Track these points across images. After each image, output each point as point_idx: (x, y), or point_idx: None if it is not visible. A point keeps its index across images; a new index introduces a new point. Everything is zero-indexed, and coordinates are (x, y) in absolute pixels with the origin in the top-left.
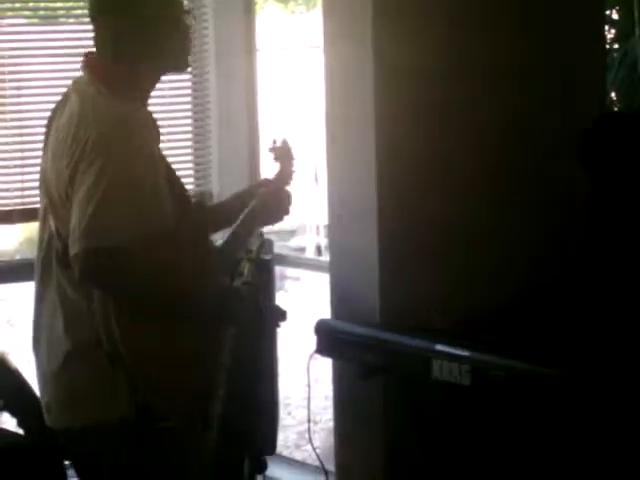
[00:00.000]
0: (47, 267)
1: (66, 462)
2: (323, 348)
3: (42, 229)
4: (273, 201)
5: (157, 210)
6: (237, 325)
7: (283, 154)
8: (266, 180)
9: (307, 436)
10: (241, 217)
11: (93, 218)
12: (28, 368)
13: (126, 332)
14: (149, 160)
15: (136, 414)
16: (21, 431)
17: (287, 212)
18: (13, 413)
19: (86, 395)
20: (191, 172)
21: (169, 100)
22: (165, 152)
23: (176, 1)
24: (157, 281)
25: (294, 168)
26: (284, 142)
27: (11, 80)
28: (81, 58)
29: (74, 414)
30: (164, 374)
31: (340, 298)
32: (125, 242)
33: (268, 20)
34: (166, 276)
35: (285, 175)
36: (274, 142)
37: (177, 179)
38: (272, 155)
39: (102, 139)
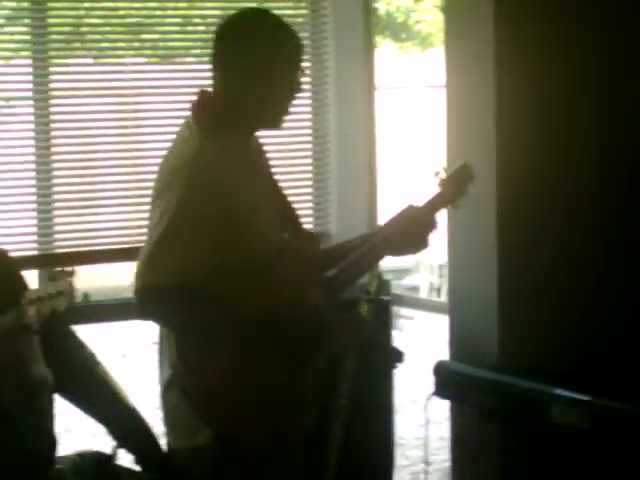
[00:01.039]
0: None
1: None
2: (441, 390)
3: None
4: (417, 227)
5: (231, 244)
6: (337, 357)
7: (459, 177)
8: (412, 206)
9: (421, 477)
10: (370, 245)
11: (149, 257)
12: (141, 402)
13: (189, 366)
14: (219, 196)
15: (214, 445)
16: (138, 468)
17: (425, 245)
18: (130, 450)
19: (175, 422)
20: (310, 212)
21: (288, 140)
22: (284, 191)
23: (295, 62)
24: (226, 313)
25: (465, 190)
26: (465, 165)
27: (132, 118)
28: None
29: (173, 438)
30: (231, 407)
31: (459, 339)
32: (181, 279)
33: (383, 59)
34: (242, 307)
35: (444, 199)
36: (443, 169)
37: (287, 210)
38: (438, 179)
39: (172, 175)
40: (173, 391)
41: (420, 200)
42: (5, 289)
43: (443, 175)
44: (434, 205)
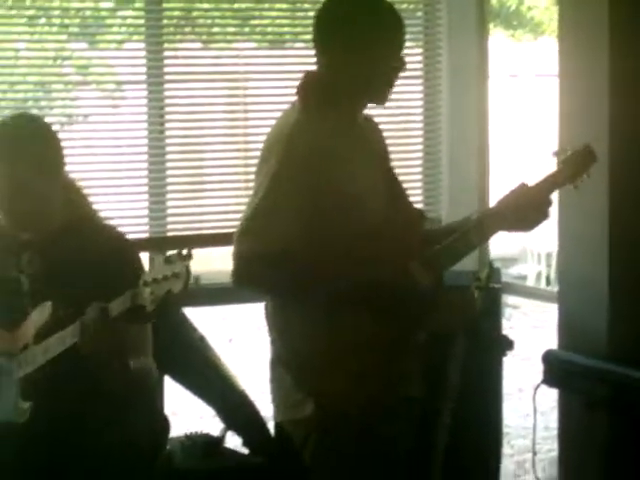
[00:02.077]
0: None
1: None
2: (549, 379)
3: None
4: (530, 202)
5: (327, 215)
6: (439, 331)
7: (581, 157)
8: (525, 184)
9: (526, 466)
10: (479, 217)
11: (248, 224)
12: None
13: (290, 338)
14: (315, 168)
15: (316, 416)
16: (246, 451)
17: (545, 216)
18: (238, 433)
19: (281, 396)
20: (420, 198)
21: (400, 126)
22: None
23: (396, 38)
24: (324, 283)
25: (586, 171)
26: (588, 146)
27: (242, 103)
28: None
29: (279, 412)
30: (331, 379)
31: (568, 328)
32: (276, 247)
33: (494, 47)
34: (341, 277)
35: (562, 178)
36: (562, 149)
37: (395, 187)
38: (558, 159)
39: (272, 146)
40: (278, 365)
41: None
42: (123, 271)
43: (563, 155)
44: (550, 183)
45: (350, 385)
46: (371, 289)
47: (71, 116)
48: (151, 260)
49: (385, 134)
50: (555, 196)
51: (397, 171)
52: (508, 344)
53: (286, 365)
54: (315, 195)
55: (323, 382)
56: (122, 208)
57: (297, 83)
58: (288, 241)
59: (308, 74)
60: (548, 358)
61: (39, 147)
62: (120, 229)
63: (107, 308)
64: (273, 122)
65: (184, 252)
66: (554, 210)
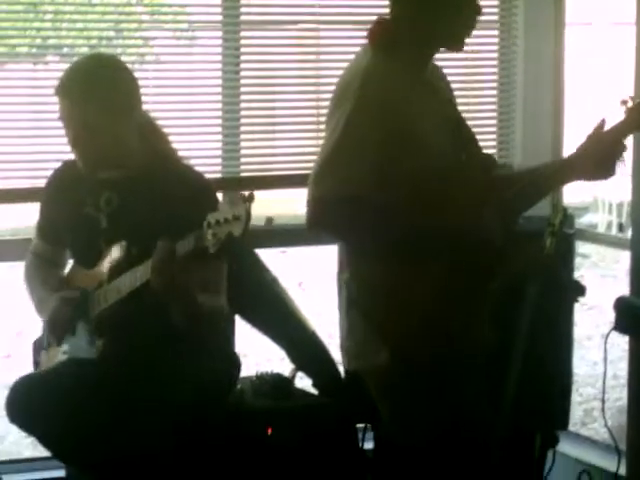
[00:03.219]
0: None
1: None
2: (621, 325)
3: None
4: (603, 151)
5: (399, 158)
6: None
7: None
8: (598, 130)
9: (594, 414)
10: (553, 166)
11: (321, 168)
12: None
13: (364, 283)
14: (387, 111)
15: (391, 363)
16: (315, 391)
17: (613, 170)
18: (309, 374)
19: (353, 343)
20: (494, 144)
21: (474, 70)
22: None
23: None
24: (398, 227)
25: None
26: None
27: (316, 45)
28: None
29: (349, 360)
30: (406, 324)
31: None
32: (351, 191)
33: None
34: (414, 221)
35: (632, 125)
36: (630, 97)
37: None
38: (625, 107)
39: (343, 92)
40: (351, 311)
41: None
42: (199, 211)
43: (630, 103)
44: (621, 130)
45: (425, 331)
46: (445, 236)
47: (144, 55)
48: (222, 198)
49: (459, 82)
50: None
51: (471, 120)
52: (580, 290)
53: (361, 309)
54: (388, 139)
55: (398, 327)
56: (196, 148)
57: (368, 28)
58: (363, 185)
59: (380, 20)
60: (620, 305)
61: (111, 88)
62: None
63: (174, 248)
64: (344, 66)
65: (246, 194)
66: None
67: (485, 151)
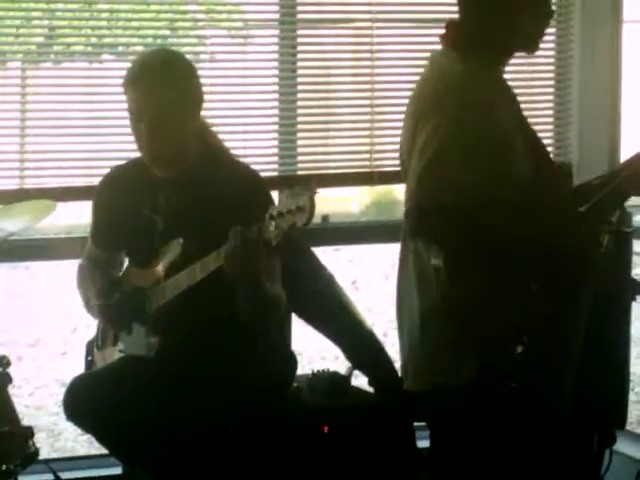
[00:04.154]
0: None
1: (418, 423)
2: None
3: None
4: None
5: (500, 166)
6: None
7: None
8: None
9: None
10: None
11: (422, 175)
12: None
13: (459, 294)
14: (488, 118)
15: (480, 375)
16: (371, 390)
17: None
18: (365, 372)
19: (435, 359)
20: (551, 142)
21: (531, 67)
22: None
23: None
24: (492, 235)
25: None
26: None
27: (370, 44)
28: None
29: (425, 377)
30: (501, 340)
31: None
32: (453, 200)
33: None
34: (509, 232)
35: None
36: None
37: (537, 142)
38: None
39: (438, 97)
40: (432, 321)
41: None
42: (254, 207)
43: None
44: None
45: (512, 343)
46: (543, 247)
47: (199, 54)
48: (279, 195)
49: (516, 80)
50: None
51: (528, 114)
52: (638, 288)
53: (446, 317)
54: (486, 145)
55: (488, 334)
56: (252, 147)
57: (423, 29)
58: (464, 193)
59: (454, 22)
60: None
61: (184, 80)
62: (252, 167)
63: (246, 233)
64: (397, 66)
65: (309, 186)
66: None
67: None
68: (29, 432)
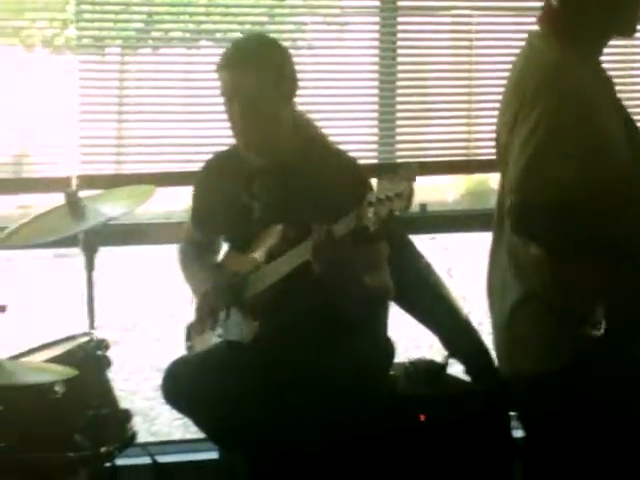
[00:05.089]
0: (500, 219)
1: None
2: None
3: (500, 183)
4: None
5: (600, 157)
6: None
7: None
8: None
9: None
10: None
11: (525, 171)
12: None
13: (561, 285)
14: (587, 111)
15: (575, 363)
16: (468, 378)
17: None
18: (462, 361)
19: (530, 345)
20: None
21: (628, 58)
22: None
23: None
24: (599, 230)
25: None
26: None
27: (468, 31)
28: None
29: (519, 363)
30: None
31: None
32: (557, 195)
33: None
34: (614, 226)
35: None
36: None
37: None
38: None
39: (539, 88)
40: (527, 310)
41: None
42: (352, 194)
43: None
44: None
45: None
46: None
47: (296, 40)
48: (378, 181)
49: (612, 67)
50: None
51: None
52: None
53: (545, 305)
54: (584, 141)
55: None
56: (351, 134)
57: (522, 17)
58: (570, 188)
59: (550, 8)
60: None
61: (274, 66)
62: (350, 155)
63: (332, 229)
64: (495, 54)
65: (409, 173)
66: None
67: None
68: (127, 415)
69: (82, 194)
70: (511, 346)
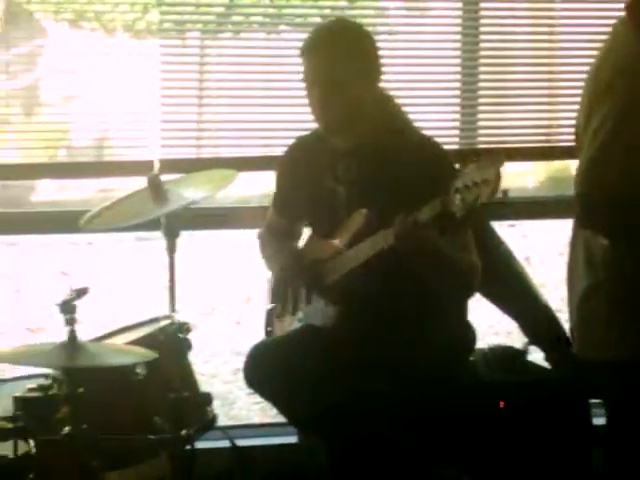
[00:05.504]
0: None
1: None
2: None
3: None
4: None
5: None
6: None
7: None
8: None
9: None
10: None
11: (591, 163)
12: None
13: (624, 276)
14: None
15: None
16: (547, 365)
17: None
18: (541, 347)
19: (598, 331)
20: None
21: None
22: None
23: None
24: None
25: None
26: None
27: (549, 17)
28: None
29: (590, 350)
30: None
31: None
32: (621, 188)
33: None
34: None
35: None
36: None
37: None
38: None
39: (614, 78)
40: (594, 299)
41: None
42: (437, 179)
43: None
44: None
45: None
46: None
47: (376, 25)
48: (463, 167)
49: None
50: None
51: None
52: None
53: (607, 296)
54: None
55: None
56: (433, 119)
57: (604, 3)
58: (629, 183)
59: None
60: None
61: (359, 48)
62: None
63: (416, 215)
64: (577, 40)
65: (496, 159)
66: None
67: None
68: (208, 398)
69: (164, 178)
70: (582, 333)
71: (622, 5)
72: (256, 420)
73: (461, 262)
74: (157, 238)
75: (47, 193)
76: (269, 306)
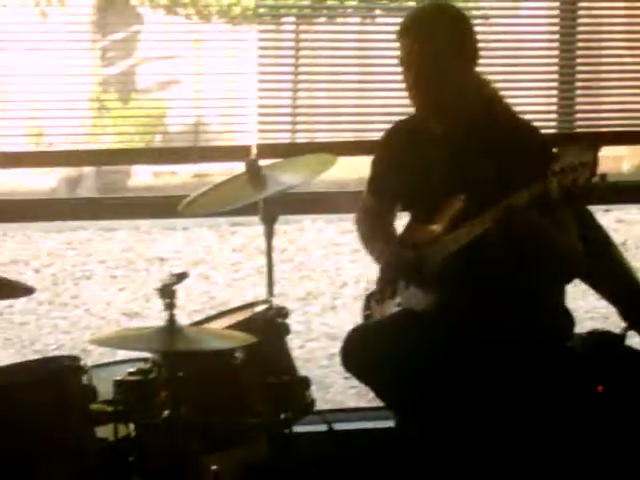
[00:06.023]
0: None
1: None
2: None
3: None
4: None
5: None
6: None
7: None
8: None
9: None
10: None
11: None
12: None
13: None
14: None
15: None
16: None
17: None
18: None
19: None
20: None
21: None
22: None
23: None
24: None
25: None
26: None
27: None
28: None
29: None
30: None
31: None
32: None
33: None
34: None
35: None
36: None
37: None
38: None
39: None
40: None
41: None
42: (535, 164)
43: None
44: None
45: None
46: None
47: (471, 10)
48: (561, 150)
49: None
50: None
51: None
52: None
53: None
54: None
55: None
56: (530, 104)
57: None
58: None
59: None
60: None
61: (452, 32)
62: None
63: (515, 198)
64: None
65: (594, 142)
66: None
67: None
68: (306, 383)
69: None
70: None
71: None
72: (351, 404)
73: (562, 244)
74: (251, 223)
75: (143, 178)
76: (369, 291)
